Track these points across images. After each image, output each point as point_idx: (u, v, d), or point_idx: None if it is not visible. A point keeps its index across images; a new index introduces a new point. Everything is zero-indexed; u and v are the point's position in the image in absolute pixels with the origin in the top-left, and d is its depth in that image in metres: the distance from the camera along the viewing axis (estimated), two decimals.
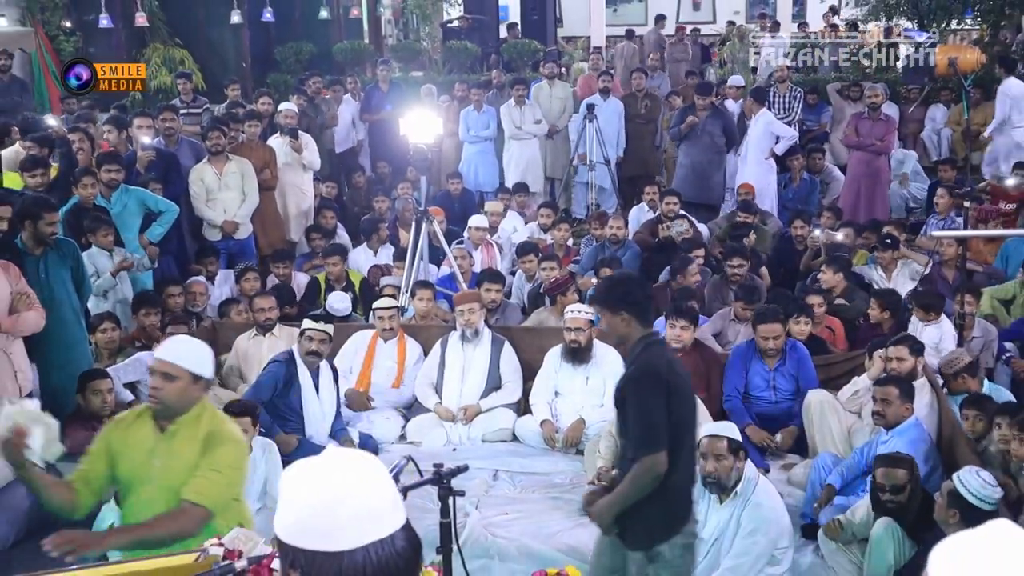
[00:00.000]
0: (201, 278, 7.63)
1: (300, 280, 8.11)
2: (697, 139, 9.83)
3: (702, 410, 5.29)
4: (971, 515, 3.80)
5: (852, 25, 14.74)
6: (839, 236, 7.79)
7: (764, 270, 7.97)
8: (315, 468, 1.57)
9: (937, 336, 6.23)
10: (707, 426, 4.41)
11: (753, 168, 9.78)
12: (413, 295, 7.08)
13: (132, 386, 6.03)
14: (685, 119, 9.82)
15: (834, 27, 14.96)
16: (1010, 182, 8.94)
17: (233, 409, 5.04)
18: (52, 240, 5.63)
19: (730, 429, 4.28)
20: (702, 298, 7.26)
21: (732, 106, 10.54)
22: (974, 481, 3.90)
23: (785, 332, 6.03)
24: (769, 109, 10.26)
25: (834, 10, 16.30)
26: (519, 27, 16.54)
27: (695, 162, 9.86)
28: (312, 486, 1.55)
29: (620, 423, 3.63)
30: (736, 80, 11.33)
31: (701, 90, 10.12)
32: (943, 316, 6.36)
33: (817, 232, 8.02)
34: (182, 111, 9.72)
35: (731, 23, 16.85)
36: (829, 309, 6.89)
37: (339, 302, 7.46)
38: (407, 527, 1.58)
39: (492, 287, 7.11)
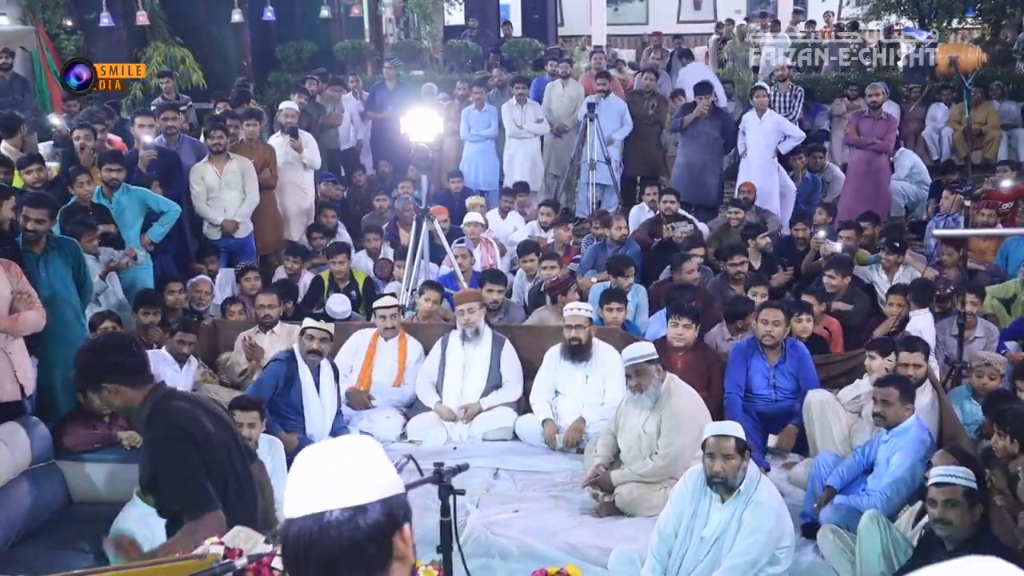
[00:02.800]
0: (206, 277, 7.63)
1: (305, 278, 8.11)
2: (695, 138, 9.82)
3: (704, 410, 5.32)
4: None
5: (852, 25, 14.75)
6: (837, 246, 7.77)
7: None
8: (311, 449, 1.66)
9: (921, 326, 6.23)
10: (712, 425, 4.40)
11: (758, 167, 9.77)
12: (421, 294, 7.08)
13: None
14: (686, 115, 9.82)
15: (838, 27, 14.99)
16: (1005, 183, 8.98)
17: (241, 403, 5.07)
18: (33, 236, 5.58)
19: (735, 428, 4.28)
20: (706, 297, 7.25)
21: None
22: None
23: (787, 325, 6.04)
24: (770, 108, 10.24)
25: (798, 12, 16.40)
26: (513, 26, 16.54)
27: (691, 162, 9.86)
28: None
29: (157, 501, 3.20)
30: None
31: (700, 89, 10.11)
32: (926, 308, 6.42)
33: (821, 233, 8.00)
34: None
35: (730, 20, 16.82)
36: (829, 311, 6.89)
37: (338, 305, 7.47)
38: (367, 508, 1.57)
39: (494, 288, 7.09)
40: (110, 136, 8.80)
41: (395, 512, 1.60)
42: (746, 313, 6.49)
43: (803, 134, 10.18)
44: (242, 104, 9.98)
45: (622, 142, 10.64)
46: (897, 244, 7.65)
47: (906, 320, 6.48)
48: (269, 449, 5.12)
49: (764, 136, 9.76)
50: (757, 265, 7.95)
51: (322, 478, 1.58)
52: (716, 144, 9.90)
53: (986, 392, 5.51)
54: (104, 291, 6.70)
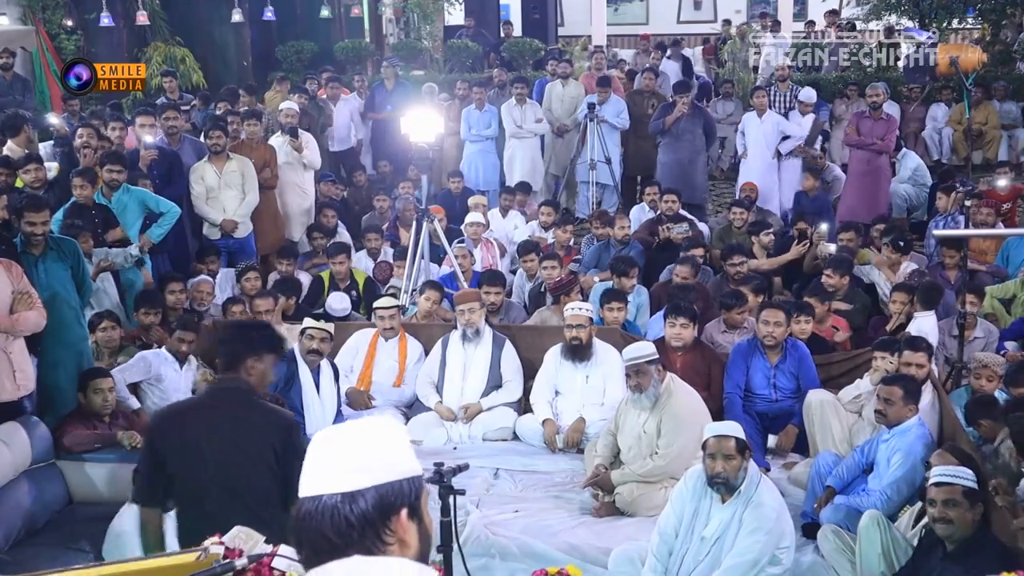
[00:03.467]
0: (208, 277, 7.62)
1: (302, 279, 8.10)
2: (678, 137, 9.83)
3: (704, 410, 5.32)
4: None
5: (851, 26, 14.76)
6: (832, 248, 7.77)
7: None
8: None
9: (926, 328, 6.22)
10: (712, 426, 4.40)
11: (758, 167, 9.75)
12: (421, 293, 7.07)
13: (135, 387, 6.02)
14: (666, 115, 9.83)
15: (839, 27, 14.97)
16: (1000, 183, 8.99)
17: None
18: (37, 240, 5.57)
19: (735, 428, 4.28)
20: (707, 297, 7.25)
21: (798, 118, 10.18)
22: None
23: (788, 325, 6.04)
24: (770, 108, 10.25)
25: (835, 12, 16.32)
26: (513, 26, 16.53)
27: (680, 159, 9.86)
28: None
29: None
30: (808, 95, 10.49)
31: (679, 88, 10.13)
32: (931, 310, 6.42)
33: (824, 227, 8.01)
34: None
35: (727, 21, 16.82)
36: (829, 311, 6.89)
37: (337, 303, 7.47)
38: (357, 496, 1.59)
39: (492, 290, 7.06)
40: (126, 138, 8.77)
41: (391, 498, 1.61)
42: (732, 306, 6.58)
43: (803, 133, 10.18)
44: (235, 104, 9.97)
45: (622, 142, 10.64)
46: (901, 243, 7.65)
47: (910, 318, 6.48)
48: None
49: (764, 136, 9.77)
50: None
51: (325, 461, 1.61)
52: (700, 141, 9.93)
53: (982, 389, 5.54)
54: (96, 292, 6.69)
